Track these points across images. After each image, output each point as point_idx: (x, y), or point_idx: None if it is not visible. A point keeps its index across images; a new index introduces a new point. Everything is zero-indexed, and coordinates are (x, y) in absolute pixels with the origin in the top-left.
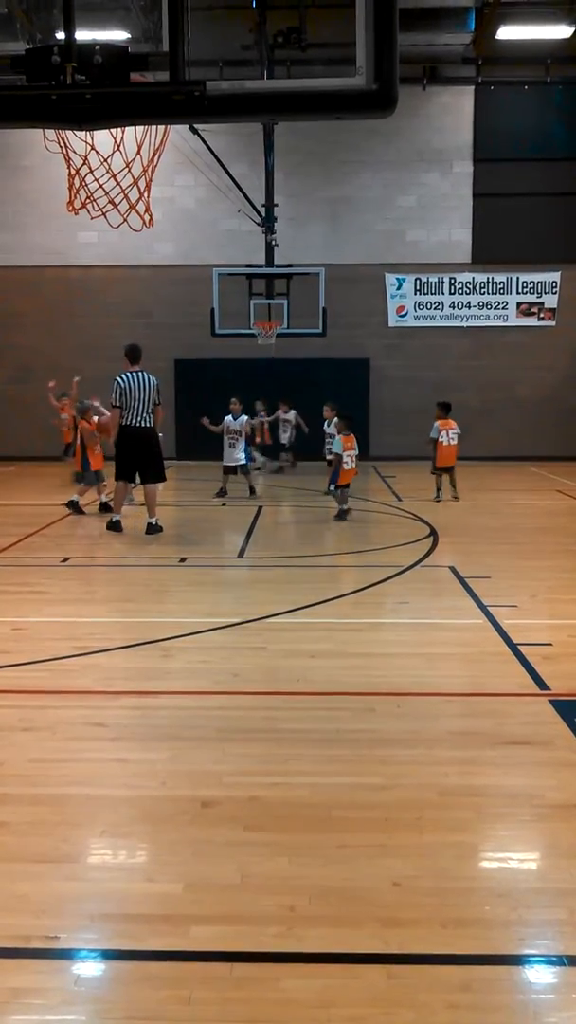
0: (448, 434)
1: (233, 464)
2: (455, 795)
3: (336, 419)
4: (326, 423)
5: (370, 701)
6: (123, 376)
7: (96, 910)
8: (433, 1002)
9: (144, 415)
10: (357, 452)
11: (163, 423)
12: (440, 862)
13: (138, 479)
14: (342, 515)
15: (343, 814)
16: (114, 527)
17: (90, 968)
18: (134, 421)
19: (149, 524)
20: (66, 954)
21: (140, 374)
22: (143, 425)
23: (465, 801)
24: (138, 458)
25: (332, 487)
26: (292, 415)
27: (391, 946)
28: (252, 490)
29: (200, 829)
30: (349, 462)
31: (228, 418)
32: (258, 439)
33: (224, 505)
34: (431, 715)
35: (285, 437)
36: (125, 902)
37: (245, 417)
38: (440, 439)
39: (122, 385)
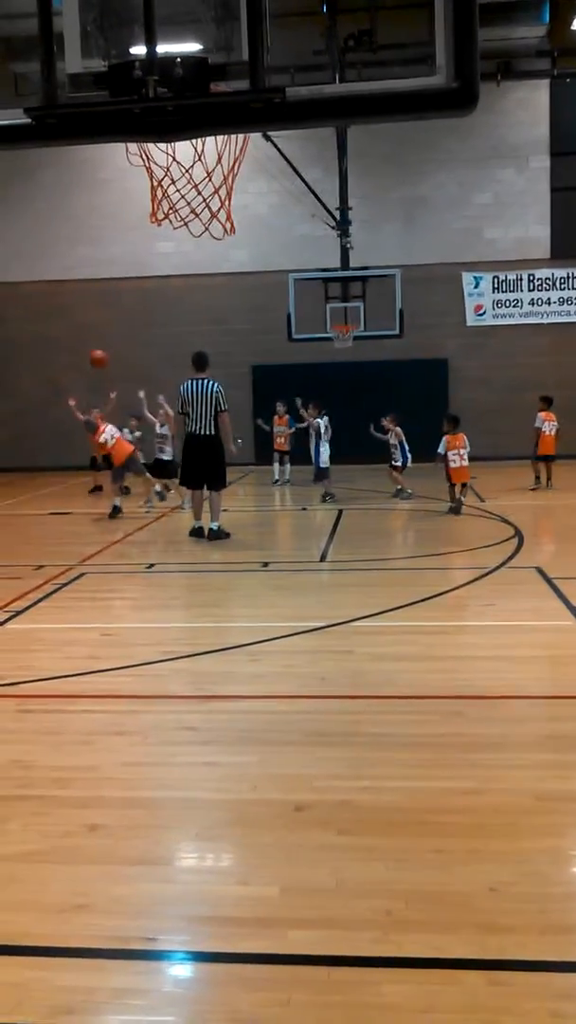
0: (549, 425)
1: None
2: (550, 799)
3: (444, 419)
4: (389, 435)
5: (458, 704)
6: (183, 385)
7: (192, 912)
8: (536, 1010)
9: (203, 423)
10: (468, 449)
11: (230, 429)
12: (537, 867)
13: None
14: (453, 510)
15: (436, 818)
16: (197, 533)
17: (187, 970)
18: (194, 429)
19: (211, 529)
20: (164, 956)
21: (201, 381)
22: (202, 433)
23: (561, 806)
24: (199, 465)
25: (450, 485)
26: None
27: (490, 952)
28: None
29: (293, 833)
30: (456, 460)
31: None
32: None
33: (305, 509)
34: (521, 718)
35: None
36: (220, 905)
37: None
38: (543, 429)
39: (181, 394)
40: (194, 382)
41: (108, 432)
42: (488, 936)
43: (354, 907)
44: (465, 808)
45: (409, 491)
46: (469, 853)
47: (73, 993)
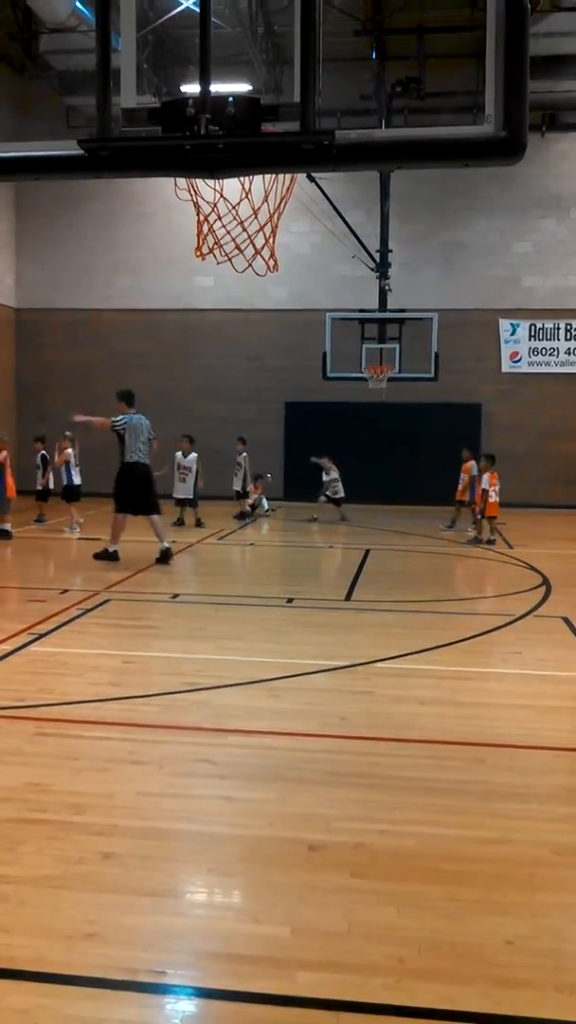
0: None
1: (183, 497)
2: (569, 854)
3: (483, 459)
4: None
5: (480, 752)
6: (128, 417)
7: (202, 948)
8: None
9: (144, 452)
10: (499, 487)
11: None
12: (555, 923)
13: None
14: (477, 542)
15: (453, 867)
16: (110, 557)
17: (195, 1006)
18: (136, 458)
19: (163, 550)
20: (172, 990)
21: (139, 416)
22: (144, 462)
23: None
24: (138, 492)
25: (480, 517)
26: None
27: (504, 1007)
28: (199, 522)
29: (307, 873)
30: (493, 495)
31: (178, 454)
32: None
33: (331, 547)
34: (544, 770)
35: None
36: (231, 942)
37: (195, 455)
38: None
39: (125, 423)
40: (134, 416)
41: None
42: (502, 990)
43: (366, 952)
44: (483, 857)
45: (316, 516)
46: (485, 904)
47: (80, 1023)
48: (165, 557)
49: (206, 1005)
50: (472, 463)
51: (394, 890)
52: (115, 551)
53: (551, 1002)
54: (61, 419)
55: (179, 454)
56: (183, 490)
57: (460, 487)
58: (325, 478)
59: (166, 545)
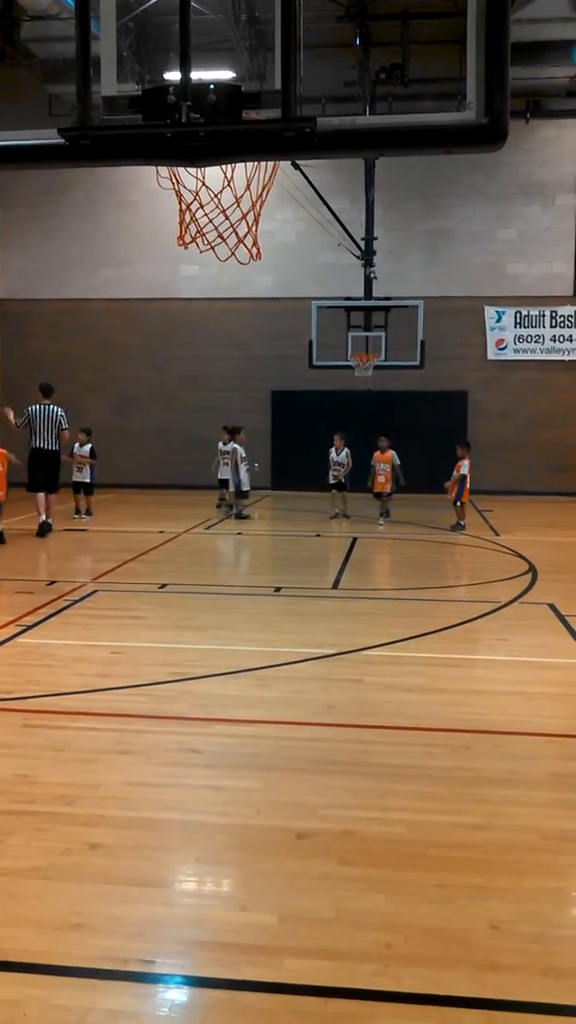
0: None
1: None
2: (556, 839)
3: (458, 447)
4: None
5: (467, 739)
6: (31, 408)
7: (191, 936)
8: None
9: (49, 440)
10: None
11: (69, 444)
12: (541, 907)
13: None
14: (461, 528)
15: (440, 853)
16: (46, 528)
17: (183, 994)
18: (40, 445)
19: (43, 523)
20: (161, 979)
21: (47, 407)
22: (47, 448)
23: (567, 846)
24: (42, 473)
25: (458, 503)
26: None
27: (489, 991)
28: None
29: (295, 860)
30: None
31: (221, 444)
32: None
33: (318, 536)
34: (530, 755)
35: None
36: (220, 930)
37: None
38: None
39: (28, 414)
40: (42, 407)
41: None
42: (488, 974)
43: (353, 938)
44: (470, 843)
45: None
46: (472, 889)
47: (68, 1013)
48: (43, 531)
49: (195, 993)
50: (392, 453)
51: (382, 877)
52: (45, 520)
53: (537, 986)
54: None
55: (222, 443)
56: (226, 473)
57: (383, 478)
58: (334, 457)
59: (47, 520)
